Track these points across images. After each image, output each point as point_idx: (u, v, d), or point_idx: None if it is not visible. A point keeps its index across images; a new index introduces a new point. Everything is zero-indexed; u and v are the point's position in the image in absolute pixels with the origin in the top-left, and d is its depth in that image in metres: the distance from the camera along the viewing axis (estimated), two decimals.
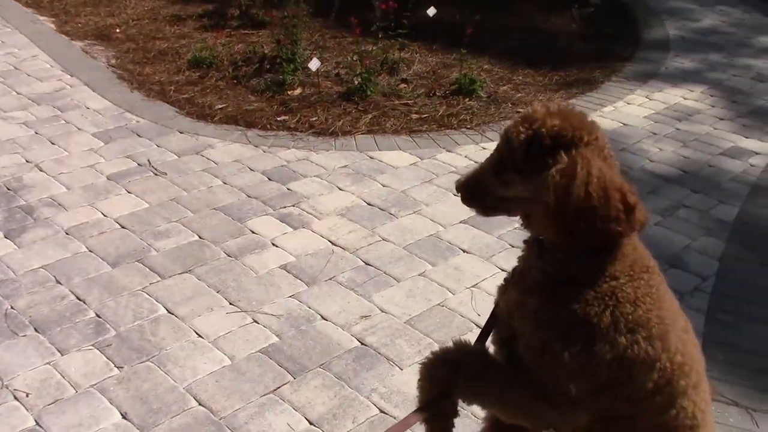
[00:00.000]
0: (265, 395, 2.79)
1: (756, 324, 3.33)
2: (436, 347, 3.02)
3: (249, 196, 4.20)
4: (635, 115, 5.59)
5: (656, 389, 1.73)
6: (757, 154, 5.08)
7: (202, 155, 4.65)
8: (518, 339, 1.78)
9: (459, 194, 1.84)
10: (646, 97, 5.95)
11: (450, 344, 1.89)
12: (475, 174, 1.81)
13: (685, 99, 5.96)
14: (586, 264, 1.69)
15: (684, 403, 1.79)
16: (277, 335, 3.12)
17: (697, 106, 5.85)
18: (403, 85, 5.86)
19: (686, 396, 1.79)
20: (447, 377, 1.80)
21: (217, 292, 3.38)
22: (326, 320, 3.22)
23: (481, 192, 1.80)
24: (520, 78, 6.25)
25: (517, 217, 1.87)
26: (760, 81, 6.53)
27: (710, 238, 4.03)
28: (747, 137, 5.34)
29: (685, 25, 7.96)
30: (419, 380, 1.88)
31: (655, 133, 5.30)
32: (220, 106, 5.35)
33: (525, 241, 1.87)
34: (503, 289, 1.93)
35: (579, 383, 1.68)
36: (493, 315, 1.97)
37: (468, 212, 4.07)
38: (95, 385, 2.83)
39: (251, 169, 4.50)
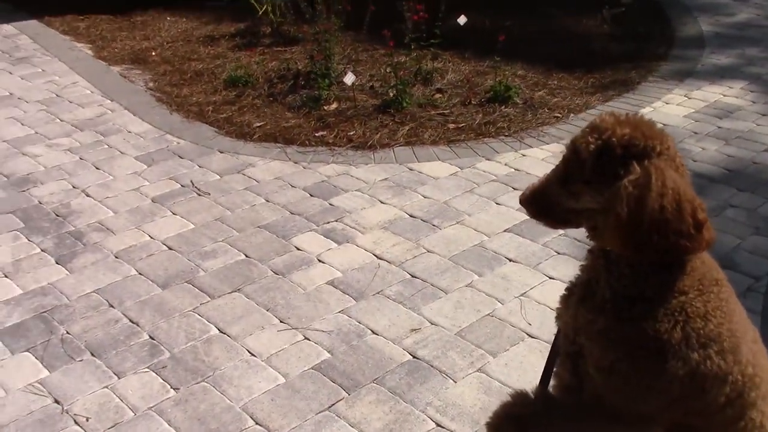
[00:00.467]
0: (320, 412, 2.81)
1: None
2: (488, 358, 3.03)
3: (292, 213, 4.23)
4: (675, 115, 5.53)
5: (727, 402, 1.71)
6: None
7: (244, 174, 4.70)
8: (586, 357, 1.76)
9: (525, 209, 1.82)
10: (685, 96, 5.88)
11: (509, 397, 1.88)
12: (541, 186, 1.79)
13: (724, 96, 5.88)
14: (654, 279, 1.66)
15: (753, 414, 1.77)
16: (328, 351, 3.13)
17: (737, 102, 5.76)
18: (438, 95, 5.87)
19: (755, 407, 1.76)
20: None
21: (267, 311, 3.40)
22: (377, 334, 3.23)
23: (548, 205, 1.78)
24: (555, 82, 6.21)
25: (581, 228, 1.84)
26: None
27: (760, 236, 3.96)
28: None
29: (719, 20, 7.86)
30: None
31: (696, 133, 5.23)
32: (258, 125, 5.41)
33: (590, 251, 1.84)
34: (565, 302, 1.90)
35: (650, 401, 1.66)
36: (556, 339, 1.94)
37: (512, 221, 4.09)
38: (153, 407, 2.86)
39: (292, 186, 4.54)
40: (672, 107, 5.68)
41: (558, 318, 1.93)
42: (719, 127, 5.31)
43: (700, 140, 5.11)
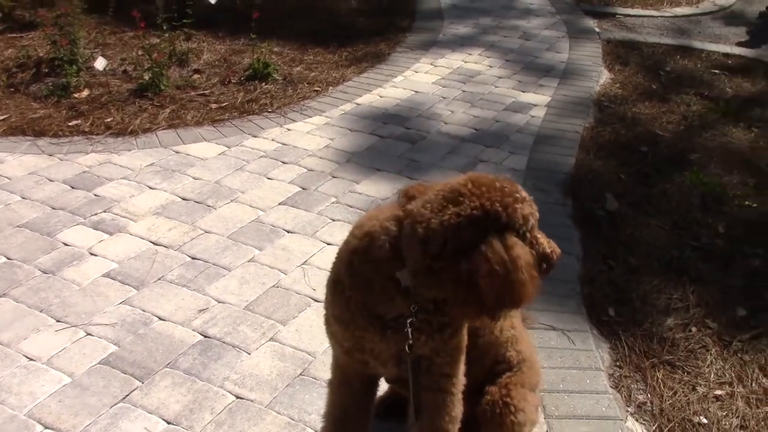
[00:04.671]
0: (115, 405, 2.73)
1: None
2: (279, 327, 3.12)
3: (54, 208, 3.98)
4: (424, 82, 5.92)
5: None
6: (535, 106, 5.58)
7: None
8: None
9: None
10: (431, 64, 6.31)
11: None
12: None
13: (465, 62, 6.38)
14: None
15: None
16: (115, 344, 3.03)
17: (477, 68, 6.29)
18: (196, 76, 5.78)
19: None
20: None
21: (41, 312, 3.21)
22: (164, 320, 3.18)
23: None
24: (311, 57, 6.37)
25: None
26: (527, 39, 7.13)
27: None
28: (524, 92, 5.84)
29: None
30: None
31: (444, 97, 5.65)
32: (1, 118, 4.99)
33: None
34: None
35: None
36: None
37: (285, 193, 4.18)
38: None
39: (50, 180, 4.27)
40: (421, 75, 6.07)
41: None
42: (464, 91, 5.77)
43: (449, 104, 5.52)
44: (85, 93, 5.39)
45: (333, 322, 2.02)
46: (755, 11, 8.49)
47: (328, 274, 2.05)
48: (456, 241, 1.72)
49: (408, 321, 1.89)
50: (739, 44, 7.43)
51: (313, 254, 3.67)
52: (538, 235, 1.86)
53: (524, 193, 1.83)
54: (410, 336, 1.90)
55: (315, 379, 2.86)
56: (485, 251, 1.70)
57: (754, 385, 3.00)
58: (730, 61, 6.89)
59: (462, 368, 2.09)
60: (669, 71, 6.54)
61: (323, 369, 2.88)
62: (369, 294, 1.89)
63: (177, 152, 4.66)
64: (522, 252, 1.73)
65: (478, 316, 1.81)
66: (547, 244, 1.88)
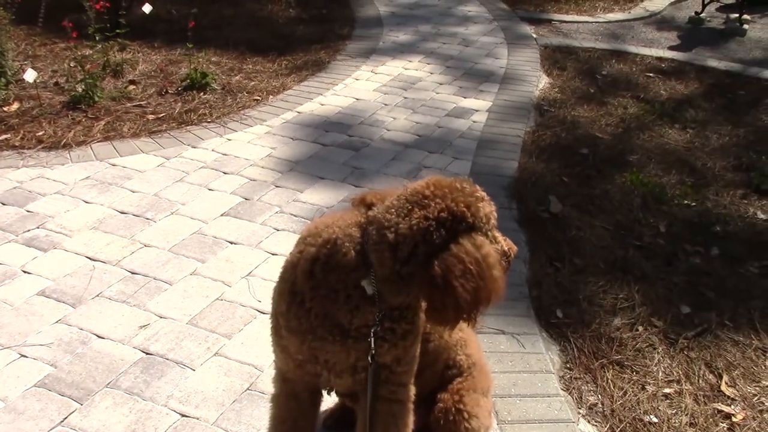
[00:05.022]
0: (52, 429, 2.59)
1: None
2: (224, 341, 3.03)
3: None
4: (365, 90, 5.88)
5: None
6: (476, 111, 5.59)
7: None
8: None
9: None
10: (372, 72, 6.28)
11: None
12: None
13: (406, 69, 6.38)
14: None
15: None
16: (51, 365, 2.90)
17: (417, 74, 6.29)
18: (132, 87, 5.63)
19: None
20: None
21: None
22: (102, 338, 3.06)
23: None
24: (250, 66, 6.28)
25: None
26: (466, 46, 7.17)
27: None
28: (465, 97, 5.86)
29: (392, 1, 8.48)
30: None
31: (386, 104, 5.62)
32: None
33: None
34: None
35: None
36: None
37: (227, 204, 4.09)
38: None
39: None
40: (362, 82, 6.03)
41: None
42: (405, 98, 5.76)
43: (391, 111, 5.50)
44: (15, 106, 5.20)
45: (287, 335, 1.94)
46: (685, 16, 8.72)
47: (278, 284, 1.98)
48: (426, 244, 1.71)
49: (372, 330, 1.85)
50: (671, 48, 7.61)
51: (258, 265, 3.59)
52: (497, 234, 1.85)
53: (483, 193, 1.84)
54: (373, 345, 1.85)
55: (263, 393, 2.78)
56: (457, 252, 1.70)
57: (701, 381, 3.04)
58: (663, 65, 7.05)
59: (413, 377, 2.06)
60: (605, 75, 6.65)
61: (271, 383, 2.80)
62: (332, 304, 1.84)
63: (113, 165, 4.51)
64: (491, 250, 1.75)
65: (455, 319, 1.80)
66: (504, 242, 1.91)
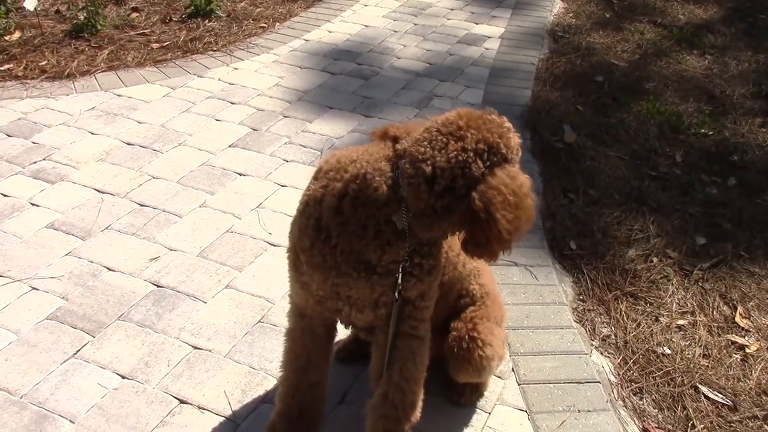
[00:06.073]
0: (65, 361, 2.60)
1: None
2: (235, 273, 3.01)
3: None
4: (374, 16, 5.72)
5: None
6: (488, 38, 5.44)
7: None
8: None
9: None
10: None
11: None
12: None
13: None
14: None
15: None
16: (62, 297, 2.89)
17: (428, 0, 6.10)
18: (135, 15, 5.50)
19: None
20: None
21: None
22: (113, 271, 3.04)
23: None
24: None
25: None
26: None
27: None
28: (477, 23, 5.70)
29: None
30: None
31: (396, 31, 5.48)
32: None
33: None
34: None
35: None
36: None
37: (235, 135, 4.02)
38: None
39: None
40: (371, 8, 5.87)
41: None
42: (416, 24, 5.60)
43: (401, 38, 5.36)
44: (17, 35, 5.09)
45: (309, 271, 1.90)
46: None
47: (299, 220, 1.93)
48: (464, 177, 1.68)
49: (400, 265, 1.82)
50: None
51: (267, 197, 3.54)
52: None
53: (510, 124, 1.80)
54: (400, 280, 1.84)
55: (275, 325, 2.77)
56: (497, 183, 1.67)
57: (715, 313, 3.01)
58: None
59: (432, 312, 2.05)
60: None
61: (282, 315, 2.79)
62: (360, 240, 1.80)
63: (118, 95, 4.43)
64: (525, 179, 1.74)
65: (498, 251, 1.77)
66: None
